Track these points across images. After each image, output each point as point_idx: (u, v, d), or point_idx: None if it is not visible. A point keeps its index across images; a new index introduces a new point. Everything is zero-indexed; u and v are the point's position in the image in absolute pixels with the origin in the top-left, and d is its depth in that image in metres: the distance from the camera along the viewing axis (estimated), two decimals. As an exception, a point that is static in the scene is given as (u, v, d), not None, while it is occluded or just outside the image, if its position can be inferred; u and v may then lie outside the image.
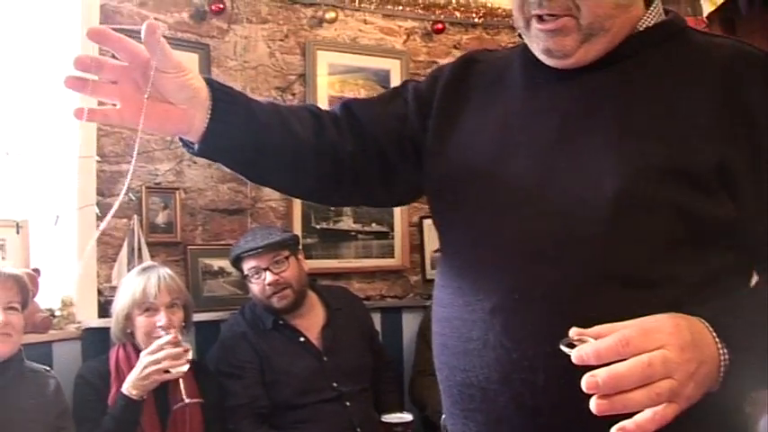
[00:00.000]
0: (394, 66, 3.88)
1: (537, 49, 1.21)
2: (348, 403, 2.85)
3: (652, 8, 1.22)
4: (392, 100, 1.42)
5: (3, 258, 2.79)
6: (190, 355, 2.50)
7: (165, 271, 2.75)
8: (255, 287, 2.96)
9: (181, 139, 1.19)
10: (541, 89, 1.24)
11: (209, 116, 1.13)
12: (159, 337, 2.59)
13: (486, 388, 1.14)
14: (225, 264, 3.34)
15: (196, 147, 1.16)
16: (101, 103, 1.11)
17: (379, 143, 1.34)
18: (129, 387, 2.43)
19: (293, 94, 3.64)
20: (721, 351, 0.97)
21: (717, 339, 0.98)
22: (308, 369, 2.89)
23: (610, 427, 1.01)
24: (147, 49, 1.03)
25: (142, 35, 1.01)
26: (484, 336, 1.14)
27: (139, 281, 2.67)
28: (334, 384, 2.86)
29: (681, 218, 1.07)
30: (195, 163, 3.33)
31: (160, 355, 2.44)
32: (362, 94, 3.77)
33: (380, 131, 1.35)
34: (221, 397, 2.83)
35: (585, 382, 0.88)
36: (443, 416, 1.32)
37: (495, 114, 1.27)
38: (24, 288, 2.35)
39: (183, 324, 2.74)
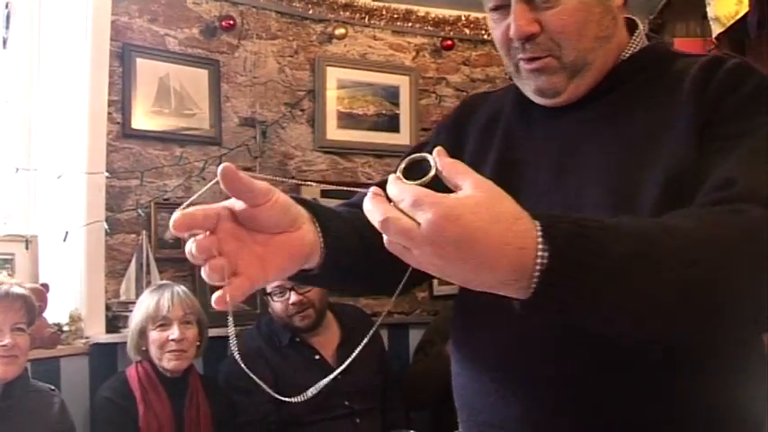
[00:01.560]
0: (403, 82, 3.89)
1: (529, 90, 1.22)
2: (358, 420, 2.85)
3: (635, 35, 1.23)
4: None
5: (10, 275, 2.79)
6: None
7: (180, 288, 2.77)
8: (278, 305, 2.96)
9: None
10: (535, 125, 1.24)
11: (318, 227, 1.03)
12: (171, 352, 2.62)
13: (506, 428, 1.13)
14: (233, 280, 3.34)
15: (316, 270, 1.05)
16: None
17: None
18: None
19: (302, 110, 3.65)
20: (540, 247, 0.82)
21: (538, 233, 0.83)
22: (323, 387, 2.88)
23: None
24: (234, 196, 0.95)
25: (223, 185, 0.93)
26: (503, 376, 1.14)
27: (153, 297, 2.70)
28: (347, 403, 2.85)
29: None
30: (204, 179, 3.33)
31: None
32: (371, 109, 3.78)
33: None
34: (231, 411, 2.83)
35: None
36: None
37: (493, 156, 1.28)
38: (31, 307, 2.35)
39: (198, 343, 2.76)
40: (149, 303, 2.68)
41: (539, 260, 0.81)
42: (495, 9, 1.19)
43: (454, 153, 1.30)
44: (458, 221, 0.80)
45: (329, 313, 3.12)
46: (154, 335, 2.65)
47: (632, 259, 0.85)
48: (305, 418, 2.82)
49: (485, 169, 1.25)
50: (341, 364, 3.09)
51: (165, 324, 2.66)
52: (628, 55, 1.21)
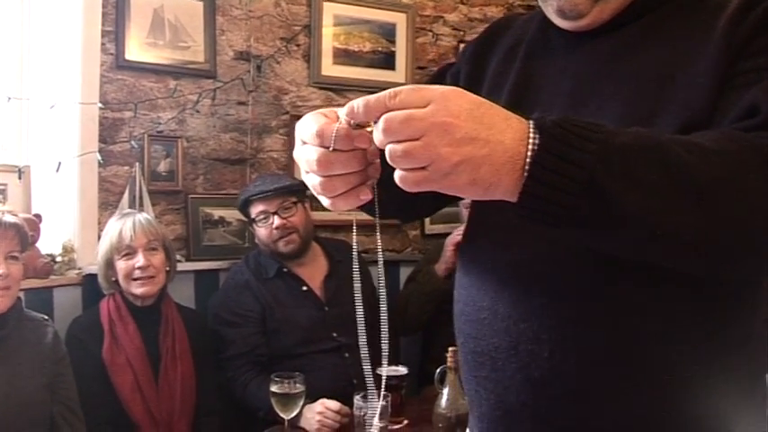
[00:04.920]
0: (400, 19, 3.85)
1: (551, 11, 1.19)
2: (347, 354, 2.88)
3: None
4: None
5: (4, 202, 2.80)
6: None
7: (142, 215, 2.77)
8: (262, 231, 2.99)
9: None
10: (556, 53, 1.22)
11: None
12: (138, 279, 2.63)
13: (496, 357, 1.14)
14: (225, 213, 3.37)
15: None
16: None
17: None
18: None
19: (298, 45, 3.61)
20: (531, 135, 0.86)
21: (530, 125, 0.87)
22: (310, 318, 2.92)
23: (614, 400, 1.05)
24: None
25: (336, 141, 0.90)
26: (494, 306, 1.15)
27: (116, 226, 2.70)
28: (334, 335, 2.88)
29: None
30: (198, 112, 3.33)
31: None
32: (367, 46, 3.75)
33: None
34: (216, 347, 2.87)
35: (346, 108, 0.88)
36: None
37: (511, 79, 1.26)
38: (24, 235, 2.35)
39: (167, 268, 2.77)
40: (113, 234, 2.68)
41: (530, 144, 0.85)
42: None
43: (476, 78, 1.31)
44: (465, 93, 0.86)
45: (316, 246, 3.15)
46: (120, 264, 2.66)
47: (630, 147, 0.86)
48: (293, 350, 2.86)
49: (501, 94, 1.25)
50: (328, 296, 3.14)
51: (129, 253, 2.66)
52: None
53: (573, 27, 1.18)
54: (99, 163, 3.06)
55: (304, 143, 0.94)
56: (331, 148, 0.90)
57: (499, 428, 1.17)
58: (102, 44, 3.11)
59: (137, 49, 3.19)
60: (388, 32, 3.81)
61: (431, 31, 3.99)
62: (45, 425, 2.33)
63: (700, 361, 1.05)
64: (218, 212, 3.37)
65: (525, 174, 0.85)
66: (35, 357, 2.34)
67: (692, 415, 1.06)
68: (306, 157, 0.93)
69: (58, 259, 2.96)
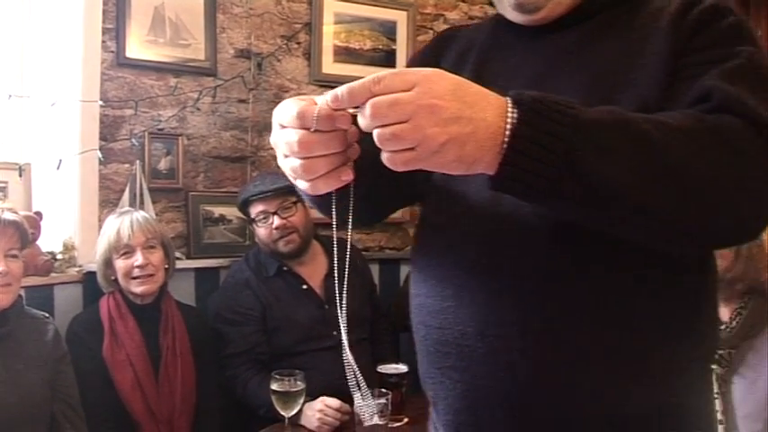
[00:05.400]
0: (401, 17, 3.84)
1: (508, 6, 1.24)
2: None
3: None
4: None
5: (5, 200, 2.79)
6: None
7: (140, 213, 2.76)
8: (262, 231, 2.98)
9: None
10: (512, 49, 1.26)
11: None
12: (137, 278, 2.63)
13: (462, 344, 1.15)
14: (226, 211, 3.37)
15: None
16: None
17: None
18: None
19: (298, 43, 3.61)
20: (510, 110, 0.91)
21: (508, 101, 0.92)
22: (310, 317, 2.92)
23: (586, 378, 1.07)
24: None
25: (318, 122, 0.93)
26: (459, 293, 1.16)
27: (114, 226, 2.69)
28: (335, 333, 2.88)
29: None
30: (199, 110, 3.33)
31: None
32: (368, 44, 3.75)
33: None
34: (216, 345, 2.87)
35: (329, 95, 0.91)
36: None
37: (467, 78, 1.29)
38: (24, 233, 2.35)
39: (166, 266, 2.77)
40: (110, 233, 2.68)
41: (509, 118, 0.90)
42: None
43: None
44: (446, 74, 0.91)
45: (317, 243, 3.14)
46: (119, 263, 2.66)
47: (603, 121, 0.92)
48: (293, 348, 2.86)
49: None
50: (328, 295, 3.12)
51: (128, 252, 2.66)
52: None
53: (528, 21, 1.23)
54: (99, 161, 3.06)
55: (283, 127, 0.96)
56: (312, 129, 0.92)
57: (469, 417, 1.18)
58: (103, 42, 3.11)
59: (137, 47, 3.19)
60: (389, 30, 3.81)
61: (431, 29, 3.99)
62: (46, 422, 2.33)
63: (660, 345, 1.08)
64: (218, 210, 3.37)
65: (504, 146, 0.90)
66: (36, 355, 2.34)
67: (652, 398, 1.09)
68: (286, 139, 0.95)
69: (59, 257, 2.96)
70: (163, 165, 3.26)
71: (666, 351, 1.09)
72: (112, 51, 3.15)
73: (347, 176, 0.97)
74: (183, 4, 3.30)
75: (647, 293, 1.08)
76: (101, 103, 3.07)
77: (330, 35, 3.67)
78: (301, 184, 0.99)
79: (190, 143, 3.35)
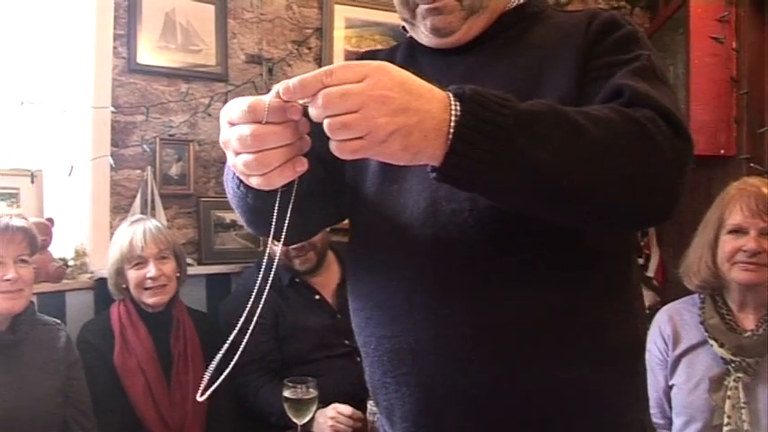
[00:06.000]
0: (411, 21, 3.82)
1: (424, 30, 1.30)
2: (359, 359, 2.85)
3: None
4: None
5: (10, 206, 2.80)
6: None
7: (153, 223, 2.74)
8: (278, 248, 2.95)
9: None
10: (427, 69, 1.28)
11: None
12: (149, 289, 2.62)
13: (417, 349, 1.19)
14: (237, 216, 3.33)
15: None
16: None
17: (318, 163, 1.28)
18: None
19: (309, 48, 3.61)
20: (453, 103, 0.95)
21: (450, 95, 0.96)
22: (322, 326, 2.89)
23: (542, 377, 1.14)
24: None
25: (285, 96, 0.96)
26: (408, 302, 1.20)
27: (127, 235, 2.68)
28: (346, 342, 2.86)
29: None
30: (210, 116, 3.32)
31: None
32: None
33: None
34: (227, 352, 2.84)
35: (280, 86, 0.94)
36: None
37: None
38: (33, 238, 2.34)
39: (178, 274, 2.75)
40: (123, 243, 2.66)
41: (452, 110, 0.94)
42: None
43: None
44: (394, 67, 0.94)
45: (330, 252, 3.11)
46: (131, 274, 2.65)
47: (539, 111, 0.98)
48: (305, 356, 2.84)
49: None
50: (341, 304, 3.11)
51: (140, 262, 2.65)
52: (513, 5, 1.32)
53: (442, 44, 1.31)
54: (111, 167, 3.06)
55: (233, 125, 0.98)
56: (264, 121, 0.95)
57: (428, 421, 1.21)
58: (114, 48, 3.11)
59: (148, 53, 3.19)
60: (400, 35, 3.73)
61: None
62: (58, 429, 2.33)
63: (603, 323, 1.19)
64: (229, 216, 3.36)
65: (450, 136, 0.94)
66: (48, 361, 2.34)
67: (603, 377, 1.18)
68: (237, 134, 0.97)
69: (71, 263, 2.96)
70: (174, 170, 3.25)
71: (602, 334, 1.18)
72: (124, 57, 3.15)
73: (302, 167, 0.99)
74: (194, 10, 3.30)
75: (584, 278, 1.17)
76: (112, 109, 3.07)
77: (341, 40, 3.66)
78: (254, 181, 1.01)
79: (201, 149, 3.34)
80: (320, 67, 3.51)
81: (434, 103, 0.94)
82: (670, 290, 3.55)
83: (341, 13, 3.65)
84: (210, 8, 3.33)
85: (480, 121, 0.94)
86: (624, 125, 1.02)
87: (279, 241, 1.10)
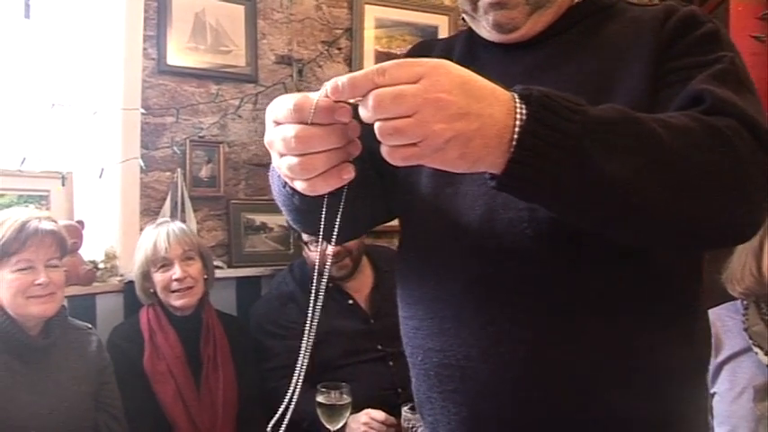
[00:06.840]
0: (442, 22, 3.80)
1: (486, 26, 1.23)
2: (391, 363, 2.83)
3: None
4: None
5: (38, 207, 2.79)
6: None
7: (176, 225, 2.73)
8: (314, 255, 2.92)
9: None
10: (487, 68, 1.24)
11: None
12: (176, 292, 2.60)
13: (465, 366, 1.13)
14: (267, 219, 3.33)
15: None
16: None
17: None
18: None
19: (339, 49, 3.58)
20: (518, 106, 0.87)
21: (515, 97, 0.88)
22: (355, 331, 2.85)
23: (594, 399, 1.07)
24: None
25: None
26: (458, 314, 1.14)
27: (150, 238, 2.67)
28: (379, 347, 2.82)
29: None
30: (240, 117, 3.30)
31: None
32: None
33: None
34: (257, 357, 2.83)
35: (329, 85, 0.86)
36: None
37: None
38: (62, 241, 2.32)
39: (205, 276, 2.73)
40: (147, 246, 2.65)
41: (518, 115, 0.86)
42: None
43: None
44: (453, 66, 0.86)
45: (364, 257, 3.07)
46: (157, 277, 2.63)
47: (611, 119, 0.90)
48: (337, 361, 2.80)
49: None
50: (374, 310, 3.08)
51: (166, 264, 2.63)
52: None
53: (506, 40, 1.24)
54: (141, 169, 3.05)
55: (278, 124, 0.91)
56: (310, 121, 0.87)
57: None
58: (144, 49, 3.10)
59: (178, 54, 3.17)
60: (431, 35, 3.76)
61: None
62: (89, 433, 2.32)
63: (664, 349, 1.10)
64: (260, 218, 3.34)
65: (514, 143, 0.86)
66: (80, 366, 2.33)
67: (663, 405, 1.10)
68: (282, 135, 0.90)
69: (101, 266, 2.95)
70: (204, 173, 3.23)
71: (663, 360, 1.10)
72: (153, 59, 3.13)
73: (348, 174, 0.92)
74: (224, 11, 3.28)
75: (647, 301, 1.09)
76: (142, 110, 3.06)
77: (371, 40, 3.64)
78: (299, 185, 0.94)
79: (231, 150, 3.32)
80: (350, 67, 3.52)
81: (497, 107, 0.86)
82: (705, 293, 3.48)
83: (371, 13, 3.63)
84: (240, 9, 3.32)
85: (547, 127, 0.86)
86: (705, 137, 0.93)
87: (329, 243, 1.05)
